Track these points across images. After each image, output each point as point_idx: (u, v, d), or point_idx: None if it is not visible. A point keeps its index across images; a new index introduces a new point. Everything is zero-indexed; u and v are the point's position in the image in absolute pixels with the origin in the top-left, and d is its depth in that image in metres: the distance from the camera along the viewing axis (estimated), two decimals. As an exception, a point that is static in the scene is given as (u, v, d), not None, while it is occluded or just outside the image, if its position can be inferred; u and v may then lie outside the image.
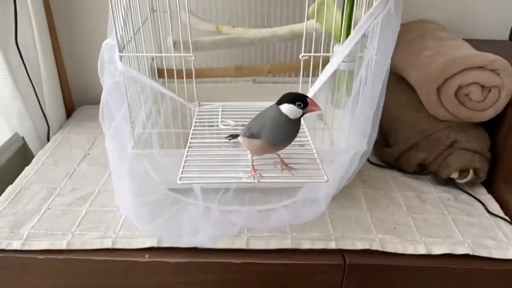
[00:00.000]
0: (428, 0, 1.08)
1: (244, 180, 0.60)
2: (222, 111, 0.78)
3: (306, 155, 0.66)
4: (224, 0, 1.01)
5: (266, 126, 0.58)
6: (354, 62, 0.74)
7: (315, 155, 0.65)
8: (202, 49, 0.87)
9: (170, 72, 0.74)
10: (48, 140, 1.06)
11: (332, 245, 0.71)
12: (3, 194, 0.83)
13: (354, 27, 0.69)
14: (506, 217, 0.77)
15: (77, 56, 1.14)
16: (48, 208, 0.79)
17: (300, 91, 0.66)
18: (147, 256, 0.69)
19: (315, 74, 0.73)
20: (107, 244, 0.71)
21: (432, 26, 1.00)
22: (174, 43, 0.81)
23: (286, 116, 0.58)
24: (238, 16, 1.02)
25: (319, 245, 0.71)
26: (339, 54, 0.69)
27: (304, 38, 0.69)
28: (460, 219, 0.77)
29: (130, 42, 0.72)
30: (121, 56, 0.69)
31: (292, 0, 0.99)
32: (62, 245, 0.70)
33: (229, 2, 1.01)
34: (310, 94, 0.72)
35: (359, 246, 0.70)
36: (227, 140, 0.69)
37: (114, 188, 0.77)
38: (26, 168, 0.91)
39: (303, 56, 0.69)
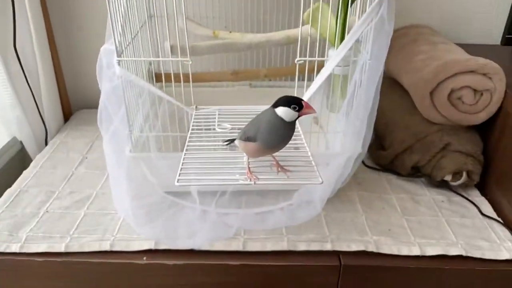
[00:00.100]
0: (422, 5, 1.10)
1: (241, 182, 0.61)
2: (219, 114, 0.78)
3: (301, 158, 0.67)
4: (221, 6, 1.02)
5: (262, 129, 0.59)
6: (348, 66, 0.75)
7: (310, 158, 0.66)
8: (199, 54, 0.88)
9: (168, 76, 0.74)
10: (46, 144, 1.06)
11: (328, 247, 0.71)
12: (2, 198, 0.83)
13: (348, 32, 0.70)
14: (499, 219, 0.78)
15: (75, 61, 1.15)
16: (47, 211, 0.80)
17: (295, 95, 0.67)
18: (145, 258, 0.70)
19: (310, 78, 0.74)
20: (105, 247, 0.71)
21: (425, 31, 1.01)
22: (172, 47, 0.81)
23: (282, 119, 0.59)
24: (235, 22, 1.03)
25: (315, 247, 0.72)
26: (333, 58, 0.70)
27: (299, 43, 0.70)
28: (454, 220, 0.78)
29: (128, 47, 0.73)
30: (119, 61, 0.70)
31: (287, 6, 1.01)
32: (61, 248, 0.71)
33: (226, 8, 1.02)
34: (305, 98, 0.73)
35: (354, 247, 0.71)
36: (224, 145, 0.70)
37: (112, 191, 0.78)
38: (24, 171, 0.91)
39: (299, 60, 0.70)
